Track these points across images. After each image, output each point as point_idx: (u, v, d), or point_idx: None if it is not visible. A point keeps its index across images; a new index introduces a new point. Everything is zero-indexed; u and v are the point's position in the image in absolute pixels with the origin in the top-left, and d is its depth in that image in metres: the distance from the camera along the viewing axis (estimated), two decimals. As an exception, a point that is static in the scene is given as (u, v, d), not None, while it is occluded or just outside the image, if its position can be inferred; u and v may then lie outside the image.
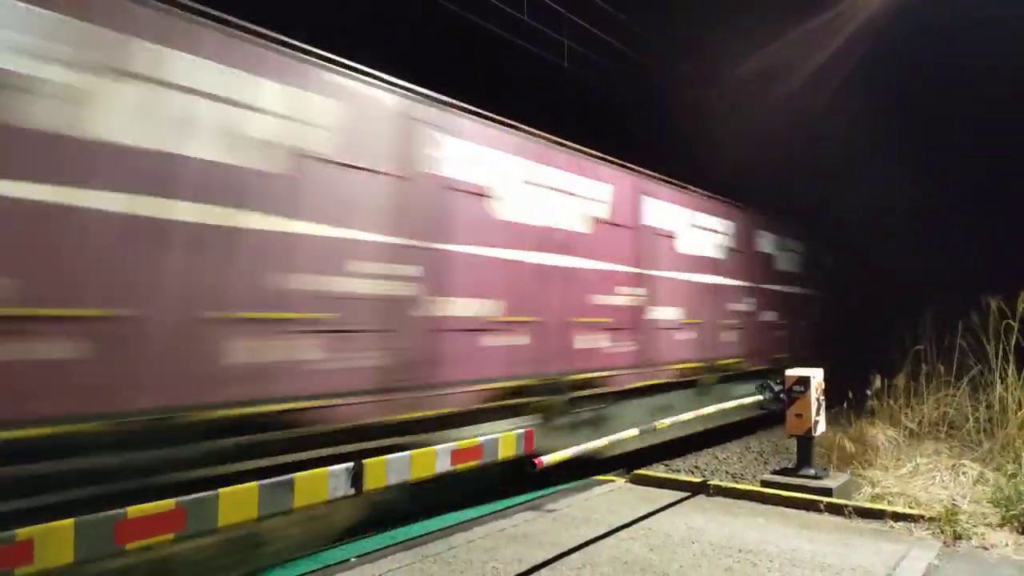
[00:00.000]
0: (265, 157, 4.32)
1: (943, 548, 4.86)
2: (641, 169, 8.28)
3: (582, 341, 6.97)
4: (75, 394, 3.44)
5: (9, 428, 3.22)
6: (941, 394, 8.05)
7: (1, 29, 3.27)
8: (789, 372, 6.60)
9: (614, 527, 5.31)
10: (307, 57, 4.64)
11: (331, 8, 9.63)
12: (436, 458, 4.70)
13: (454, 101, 5.78)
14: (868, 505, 5.71)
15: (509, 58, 10.70)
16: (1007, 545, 4.90)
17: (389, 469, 4.13)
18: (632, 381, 7.64)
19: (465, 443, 4.91)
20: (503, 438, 5.41)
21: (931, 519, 5.26)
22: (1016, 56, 12.45)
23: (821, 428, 6.58)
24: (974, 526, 5.15)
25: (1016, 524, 5.22)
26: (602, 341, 7.27)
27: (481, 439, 5.23)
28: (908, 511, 5.48)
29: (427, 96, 5.53)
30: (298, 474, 3.47)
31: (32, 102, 3.37)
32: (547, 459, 4.49)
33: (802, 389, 6.40)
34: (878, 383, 7.89)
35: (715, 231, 9.89)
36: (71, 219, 3.46)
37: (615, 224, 7.60)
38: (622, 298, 7.61)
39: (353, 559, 4.72)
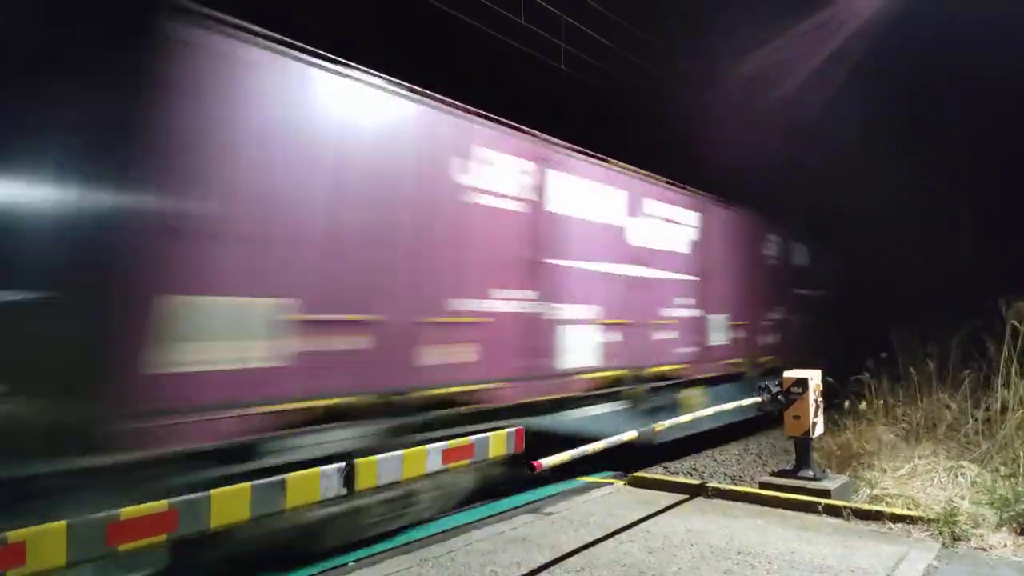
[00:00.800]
0: (675, 244, 8.64)
1: (942, 549, 4.86)
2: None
3: (762, 338, 11.12)
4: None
5: (460, 385, 5.49)
6: (940, 395, 8.03)
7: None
8: (787, 374, 6.58)
9: (613, 530, 5.30)
10: (698, 193, 8.92)
11: (328, 9, 9.63)
12: (427, 457, 4.69)
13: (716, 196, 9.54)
14: (867, 507, 5.70)
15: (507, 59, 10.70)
16: (1006, 546, 4.90)
17: (381, 468, 4.12)
18: (776, 362, 11.05)
19: (456, 442, 4.91)
20: (494, 437, 5.39)
21: (930, 520, 5.24)
22: (1017, 56, 12.47)
23: (820, 430, 6.55)
24: (973, 527, 5.13)
25: (1015, 525, 5.21)
26: (772, 338, 11.47)
27: (472, 438, 5.22)
28: (907, 512, 5.47)
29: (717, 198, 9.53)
30: (290, 475, 3.45)
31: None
32: (545, 462, 4.46)
33: (800, 391, 6.38)
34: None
35: (801, 253, 13.09)
36: (616, 280, 7.46)
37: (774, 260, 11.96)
38: (776, 313, 11.78)
39: (351, 563, 4.70)
